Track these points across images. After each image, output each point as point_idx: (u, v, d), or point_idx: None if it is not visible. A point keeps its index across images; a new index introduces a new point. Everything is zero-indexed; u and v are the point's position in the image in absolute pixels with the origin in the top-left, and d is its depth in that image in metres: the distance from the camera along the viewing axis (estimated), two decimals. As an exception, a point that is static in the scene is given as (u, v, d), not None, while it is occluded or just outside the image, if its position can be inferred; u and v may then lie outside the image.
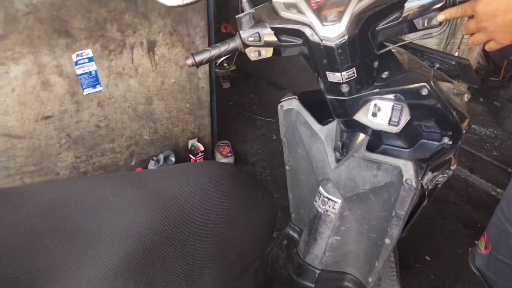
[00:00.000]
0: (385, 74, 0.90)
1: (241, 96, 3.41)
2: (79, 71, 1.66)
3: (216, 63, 3.07)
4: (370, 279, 1.18)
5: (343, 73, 0.85)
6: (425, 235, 1.91)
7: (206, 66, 2.06)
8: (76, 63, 1.63)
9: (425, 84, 0.81)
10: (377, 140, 1.02)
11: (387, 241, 1.04)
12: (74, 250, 0.59)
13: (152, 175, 0.80)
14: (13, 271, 0.52)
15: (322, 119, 1.13)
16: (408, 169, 0.89)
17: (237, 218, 0.76)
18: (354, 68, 0.85)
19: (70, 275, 0.55)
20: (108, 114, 1.85)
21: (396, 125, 0.91)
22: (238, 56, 3.67)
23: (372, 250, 1.14)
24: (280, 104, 1.20)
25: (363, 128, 0.99)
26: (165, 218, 0.69)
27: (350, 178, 1.06)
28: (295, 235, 1.45)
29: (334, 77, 0.87)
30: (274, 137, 2.78)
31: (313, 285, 1.25)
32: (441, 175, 0.95)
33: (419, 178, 0.88)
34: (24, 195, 0.67)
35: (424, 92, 0.82)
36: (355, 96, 0.91)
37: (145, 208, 0.69)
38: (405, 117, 0.90)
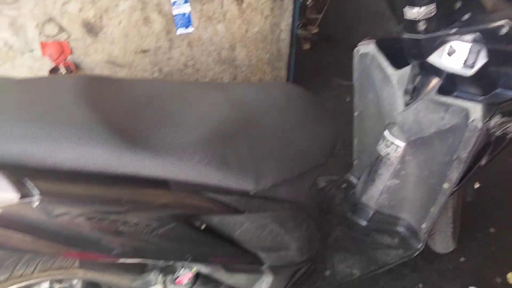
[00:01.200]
0: (466, 15, 0.90)
1: (320, 58, 3.42)
2: (175, 11, 1.83)
3: (299, 23, 3.10)
4: (423, 225, 1.22)
5: (422, 8, 0.87)
6: (493, 206, 1.83)
7: (290, 19, 2.13)
8: (174, 3, 1.80)
9: (504, 23, 0.80)
10: (449, 86, 1.02)
11: (445, 185, 1.07)
12: (167, 122, 0.73)
13: (232, 85, 0.93)
14: (124, 126, 0.68)
15: (396, 65, 1.15)
16: (475, 110, 0.90)
17: (301, 128, 0.85)
18: (435, 4, 0.86)
19: (163, 136, 0.69)
20: (196, 55, 2.02)
21: (471, 67, 0.91)
22: (322, 19, 3.65)
23: (429, 196, 1.17)
24: (357, 48, 1.24)
25: (436, 71, 1.00)
26: (241, 116, 0.81)
27: (416, 121, 1.08)
28: (354, 181, 1.50)
29: (412, 13, 0.89)
30: (348, 100, 2.78)
31: (365, 224, 1.32)
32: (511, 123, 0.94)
33: (486, 120, 0.89)
34: (132, 83, 0.84)
35: (503, 31, 0.81)
36: (432, 35, 0.92)
37: (223, 105, 0.82)
38: (481, 60, 0.90)
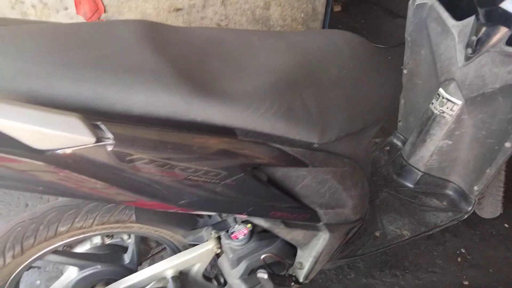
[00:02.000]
0: None
1: (351, 21, 3.28)
2: (210, -33, 1.75)
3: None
4: (476, 188, 1.18)
5: None
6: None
7: (326, -25, 2.02)
8: (208, -42, 1.72)
9: None
10: (520, 37, 0.95)
11: (508, 144, 1.02)
12: (232, 69, 0.70)
13: (292, 33, 0.88)
14: (191, 72, 0.65)
15: (457, 17, 1.08)
16: None
17: (365, 79, 0.81)
18: None
19: (230, 83, 0.66)
20: (229, 14, 1.95)
21: None
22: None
23: (485, 157, 1.12)
24: None
25: (506, 20, 0.93)
26: (304, 64, 0.77)
27: (479, 76, 1.02)
28: (399, 143, 1.46)
29: None
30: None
31: (412, 186, 1.28)
32: None
33: None
34: (192, 30, 0.80)
35: None
36: None
37: (287, 52, 0.78)
38: None
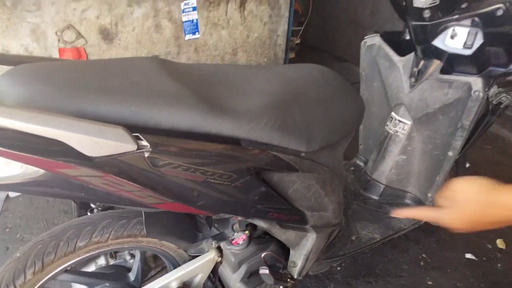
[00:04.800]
0: (464, 4, 1.09)
1: (305, 66, 3.64)
2: (184, 18, 1.96)
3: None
4: (429, 194, 1.39)
5: None
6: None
7: (285, 25, 2.31)
8: (183, 11, 1.94)
9: (501, 5, 0.99)
10: (449, 67, 1.21)
11: (450, 153, 1.24)
12: (235, 93, 0.86)
13: (276, 66, 1.07)
14: (204, 95, 0.80)
15: (400, 53, 1.34)
16: (477, 82, 1.08)
17: (337, 101, 1.00)
18: None
19: (236, 104, 0.82)
20: (201, 60, 2.15)
21: (470, 48, 1.10)
22: (304, 30, 3.89)
23: (434, 167, 1.34)
24: (364, 40, 1.42)
25: (439, 54, 1.19)
26: (290, 88, 0.95)
27: (422, 100, 1.26)
28: (361, 164, 1.67)
29: (419, 2, 1.07)
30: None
31: (377, 198, 1.47)
32: (504, 94, 1.13)
33: (486, 89, 1.07)
34: (194, 66, 0.96)
35: (500, 12, 1.00)
36: (436, 21, 1.11)
37: (275, 81, 0.96)
38: (479, 41, 1.09)
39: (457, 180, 0.63)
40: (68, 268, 0.98)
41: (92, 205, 1.10)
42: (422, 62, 1.25)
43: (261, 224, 0.95)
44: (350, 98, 1.06)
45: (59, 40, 1.74)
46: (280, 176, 0.91)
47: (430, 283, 1.55)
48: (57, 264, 0.91)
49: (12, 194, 1.93)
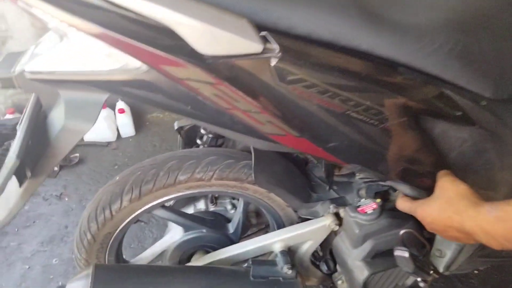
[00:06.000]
0: None
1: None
2: None
3: None
4: None
5: None
6: None
7: None
8: None
9: None
10: None
11: None
12: (405, 2, 0.61)
13: None
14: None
15: None
16: None
17: None
18: None
19: (401, 14, 0.57)
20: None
21: None
22: None
23: None
24: None
25: None
26: (476, 7, 0.66)
27: None
28: None
29: None
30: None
31: None
32: None
33: None
34: None
35: None
36: None
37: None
38: None
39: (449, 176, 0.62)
40: (166, 204, 0.88)
41: (198, 141, 0.98)
42: None
43: (406, 191, 0.70)
44: None
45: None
46: (446, 128, 0.65)
47: None
48: (154, 196, 0.80)
49: (124, 133, 1.98)
